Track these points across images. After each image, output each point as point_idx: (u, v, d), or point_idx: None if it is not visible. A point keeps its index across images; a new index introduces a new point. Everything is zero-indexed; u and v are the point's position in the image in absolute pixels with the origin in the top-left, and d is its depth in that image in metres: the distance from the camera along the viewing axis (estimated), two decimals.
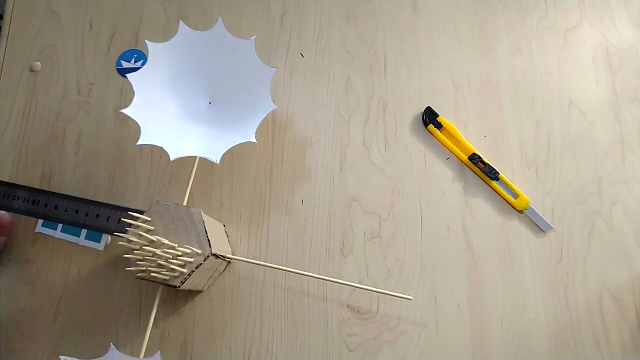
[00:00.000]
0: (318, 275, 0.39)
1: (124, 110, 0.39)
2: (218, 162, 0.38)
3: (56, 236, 0.44)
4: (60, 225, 0.44)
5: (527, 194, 0.44)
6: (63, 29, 0.53)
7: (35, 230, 0.45)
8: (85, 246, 0.44)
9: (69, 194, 0.46)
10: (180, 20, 0.42)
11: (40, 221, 0.45)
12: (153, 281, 0.35)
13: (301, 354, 0.40)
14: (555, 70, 0.49)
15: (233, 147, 0.39)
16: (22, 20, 0.54)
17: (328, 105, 0.48)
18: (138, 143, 0.38)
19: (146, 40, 0.41)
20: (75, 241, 0.44)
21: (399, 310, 0.41)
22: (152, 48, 0.41)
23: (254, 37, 0.41)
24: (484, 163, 0.45)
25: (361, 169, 0.46)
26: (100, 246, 0.44)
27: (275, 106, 0.41)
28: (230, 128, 0.42)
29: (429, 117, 0.47)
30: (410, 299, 0.39)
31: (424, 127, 0.47)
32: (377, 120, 0.48)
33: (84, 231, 0.44)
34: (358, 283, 0.40)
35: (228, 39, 0.42)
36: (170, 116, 0.43)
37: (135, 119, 0.39)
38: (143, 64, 0.48)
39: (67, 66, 0.52)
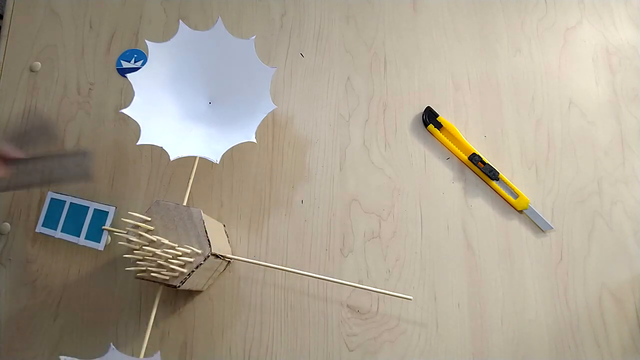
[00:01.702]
0: (318, 275, 0.39)
1: (124, 110, 0.39)
2: (218, 162, 0.38)
3: (56, 236, 0.44)
4: (60, 225, 0.44)
5: (527, 194, 0.44)
6: (63, 29, 0.53)
7: (36, 231, 0.45)
8: (85, 246, 0.44)
9: (69, 194, 0.46)
10: (180, 20, 0.42)
11: (41, 221, 0.45)
12: (153, 281, 0.35)
13: (301, 354, 0.40)
14: (555, 70, 0.49)
15: (233, 147, 0.39)
16: (22, 20, 0.54)
17: (328, 105, 0.48)
18: (138, 143, 0.38)
19: (146, 40, 0.41)
20: (75, 241, 0.44)
21: (399, 310, 0.41)
22: (152, 48, 0.41)
23: (254, 37, 0.41)
24: (484, 163, 0.45)
25: (361, 169, 0.46)
26: (100, 246, 0.44)
27: (275, 106, 0.41)
28: (230, 128, 0.42)
29: (429, 117, 0.47)
30: (410, 299, 0.39)
31: (424, 127, 0.47)
32: (377, 120, 0.47)
33: (84, 231, 0.44)
34: (358, 283, 0.40)
35: (228, 39, 0.42)
36: (170, 116, 0.43)
37: (135, 118, 0.39)
38: (143, 64, 0.48)
39: (67, 66, 0.52)
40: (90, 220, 0.44)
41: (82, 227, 0.44)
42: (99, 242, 0.43)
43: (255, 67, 0.42)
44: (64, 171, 0.34)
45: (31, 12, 0.54)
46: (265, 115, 0.41)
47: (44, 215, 0.45)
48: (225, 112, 0.44)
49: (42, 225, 0.45)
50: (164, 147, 0.38)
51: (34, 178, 0.39)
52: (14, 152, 0.40)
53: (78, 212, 0.44)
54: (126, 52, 0.52)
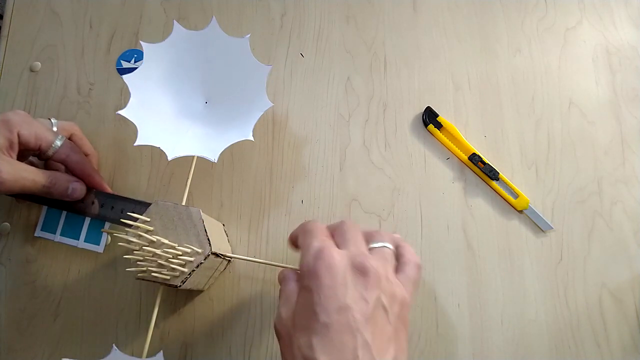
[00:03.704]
0: None
1: (121, 112, 0.39)
2: (216, 161, 0.38)
3: (55, 240, 0.44)
4: (59, 229, 0.44)
5: (527, 194, 0.44)
6: (63, 29, 0.53)
7: (35, 235, 0.44)
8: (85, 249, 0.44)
9: None
10: (175, 21, 0.42)
11: (40, 225, 0.45)
12: (154, 281, 0.35)
13: None
14: (555, 70, 0.49)
15: (231, 145, 0.39)
16: (22, 20, 0.54)
17: (328, 105, 0.48)
18: (135, 144, 0.38)
19: (141, 41, 0.41)
20: (74, 244, 0.44)
21: None
22: (147, 49, 0.41)
23: (249, 35, 0.41)
24: (484, 163, 0.45)
25: (361, 169, 0.46)
26: (99, 248, 0.44)
27: (272, 104, 0.41)
28: (227, 127, 0.42)
29: (429, 117, 0.47)
30: None
31: (424, 127, 0.47)
32: (377, 120, 0.47)
33: (83, 234, 0.44)
34: None
35: (223, 38, 0.42)
36: (167, 116, 0.43)
37: (132, 120, 0.39)
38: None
39: (67, 66, 0.52)
40: (89, 223, 0.44)
41: (81, 230, 0.44)
42: (99, 245, 0.43)
43: (250, 65, 0.42)
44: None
45: (31, 12, 0.54)
46: (262, 113, 0.41)
47: (42, 219, 0.45)
48: (222, 111, 0.44)
49: (41, 229, 0.45)
50: (161, 148, 0.38)
51: (116, 214, 0.42)
52: (105, 185, 0.43)
53: (77, 215, 0.44)
54: (126, 52, 0.52)
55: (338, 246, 0.30)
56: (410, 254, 0.33)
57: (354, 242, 0.30)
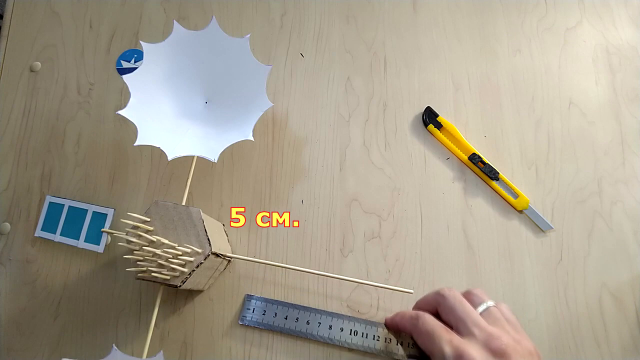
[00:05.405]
0: (318, 271, 0.39)
1: (121, 112, 0.39)
2: (216, 161, 0.38)
3: (55, 240, 0.44)
4: (59, 229, 0.44)
5: (527, 194, 0.44)
6: (63, 29, 0.53)
7: (35, 235, 0.44)
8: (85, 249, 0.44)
9: (69, 193, 0.46)
10: (174, 20, 0.42)
11: (40, 225, 0.45)
12: (154, 281, 0.35)
13: (301, 354, 0.40)
14: (555, 70, 0.49)
15: (231, 145, 0.39)
16: (22, 20, 0.54)
17: (328, 105, 0.48)
18: (135, 144, 0.38)
19: (141, 41, 0.41)
20: (74, 244, 0.44)
21: (399, 309, 0.41)
22: (147, 49, 0.41)
23: (249, 35, 0.41)
24: (484, 163, 0.45)
25: (361, 169, 0.46)
26: (99, 248, 0.44)
27: (272, 104, 0.41)
28: (227, 127, 0.42)
29: (429, 117, 0.47)
30: (412, 292, 0.38)
31: (424, 127, 0.47)
32: (377, 120, 0.48)
33: (83, 234, 0.44)
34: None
35: (223, 38, 0.42)
36: (166, 116, 0.43)
37: (132, 120, 0.39)
38: None
39: (67, 66, 0.52)
40: (89, 223, 0.44)
41: (81, 230, 0.44)
42: (99, 245, 0.43)
43: (250, 65, 0.42)
44: None
45: (31, 12, 0.54)
46: (262, 113, 0.41)
47: (42, 219, 0.45)
48: (222, 111, 0.44)
49: (41, 229, 0.44)
50: (161, 148, 0.38)
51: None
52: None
53: (76, 215, 0.44)
54: (126, 52, 0.52)
55: (457, 329, 0.31)
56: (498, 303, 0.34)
57: (472, 320, 0.31)
